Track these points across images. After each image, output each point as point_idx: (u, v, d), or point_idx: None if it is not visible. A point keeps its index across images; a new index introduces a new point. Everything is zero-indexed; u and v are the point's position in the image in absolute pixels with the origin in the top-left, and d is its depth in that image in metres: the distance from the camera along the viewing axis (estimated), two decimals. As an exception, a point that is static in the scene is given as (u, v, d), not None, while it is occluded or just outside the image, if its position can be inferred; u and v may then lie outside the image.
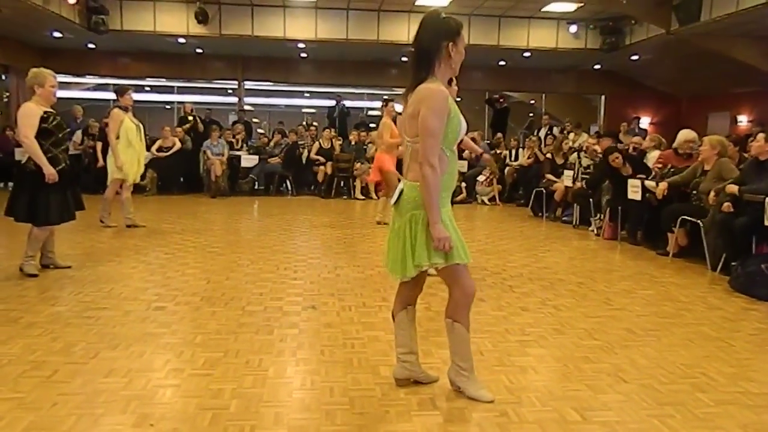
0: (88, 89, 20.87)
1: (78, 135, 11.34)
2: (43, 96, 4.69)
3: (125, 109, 7.00)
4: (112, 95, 16.45)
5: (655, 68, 15.02)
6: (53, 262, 4.98)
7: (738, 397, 2.78)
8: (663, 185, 6.21)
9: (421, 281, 2.74)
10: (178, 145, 11.13)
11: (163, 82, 19.76)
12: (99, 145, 10.67)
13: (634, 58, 14.11)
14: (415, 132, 2.48)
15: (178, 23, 12.42)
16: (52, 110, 4.75)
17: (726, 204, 5.17)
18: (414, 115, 2.45)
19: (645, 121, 16.25)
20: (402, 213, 2.56)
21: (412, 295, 2.77)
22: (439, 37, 2.47)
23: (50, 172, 4.55)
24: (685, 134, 6.98)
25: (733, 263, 5.01)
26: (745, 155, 6.70)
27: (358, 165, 11.49)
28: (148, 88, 20.50)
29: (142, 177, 8.67)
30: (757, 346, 3.56)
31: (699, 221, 5.59)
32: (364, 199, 11.21)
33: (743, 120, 13.97)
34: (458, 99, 3.38)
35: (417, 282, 2.72)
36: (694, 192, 5.98)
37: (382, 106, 7.65)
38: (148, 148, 9.65)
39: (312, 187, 11.93)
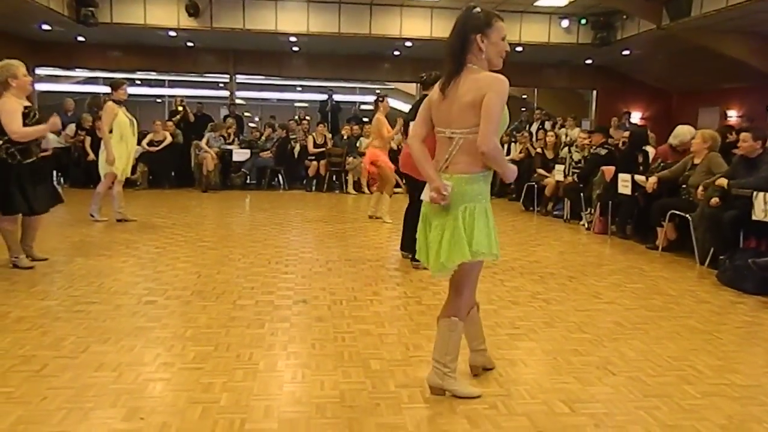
0: (78, 83, 20.72)
1: (71, 128, 11.26)
2: (18, 87, 4.61)
3: (119, 103, 6.96)
4: (102, 89, 16.41)
5: (646, 63, 15.07)
6: (30, 254, 4.93)
7: (724, 389, 2.81)
8: (653, 180, 6.25)
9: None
10: (169, 139, 11.07)
11: (153, 75, 19.65)
12: (88, 140, 10.65)
13: (626, 53, 14.15)
14: (469, 122, 2.44)
15: (168, 16, 12.32)
16: (30, 105, 4.68)
17: (714, 199, 5.21)
18: (474, 104, 2.42)
19: (636, 116, 16.31)
20: (451, 208, 2.48)
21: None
22: (466, 30, 2.48)
23: (51, 126, 4.76)
24: (675, 130, 6.94)
25: (721, 257, 5.06)
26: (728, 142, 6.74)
27: (350, 159, 11.48)
28: (138, 82, 20.37)
29: (133, 171, 8.63)
30: (743, 339, 3.60)
31: (688, 215, 5.63)
32: (356, 194, 11.21)
33: (733, 115, 14.05)
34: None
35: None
36: (684, 186, 6.03)
37: (376, 101, 7.66)
38: (139, 142, 9.61)
39: (304, 182, 11.91)
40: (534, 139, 11.23)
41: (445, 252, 2.47)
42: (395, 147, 10.49)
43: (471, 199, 2.48)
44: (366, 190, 10.95)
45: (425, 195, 2.56)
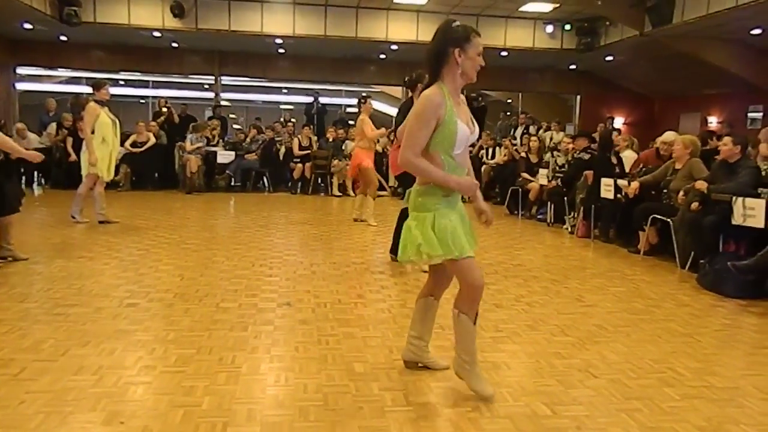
0: (60, 83, 20.47)
1: (52, 127, 11.12)
2: None
3: (101, 104, 6.89)
4: (85, 89, 16.21)
5: (629, 69, 15.27)
6: (12, 254, 4.90)
7: (703, 391, 2.85)
8: (635, 184, 6.32)
9: (443, 276, 2.85)
10: (153, 140, 10.98)
11: (138, 76, 19.48)
12: (70, 140, 10.53)
13: (609, 58, 14.32)
14: None
15: (153, 17, 12.24)
16: None
17: (694, 203, 5.28)
18: None
19: (619, 121, 16.50)
20: (410, 210, 2.71)
21: (433, 286, 2.89)
22: (445, 43, 2.55)
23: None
24: (663, 136, 7.01)
25: (701, 261, 5.13)
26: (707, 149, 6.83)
27: (335, 162, 11.48)
28: (122, 82, 20.20)
29: (116, 172, 8.54)
30: (722, 341, 3.65)
31: (669, 220, 5.71)
32: (341, 196, 11.19)
33: (713, 121, 14.27)
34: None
35: (439, 275, 2.85)
36: (665, 191, 6.10)
37: (359, 102, 7.67)
38: (122, 143, 9.52)
39: (289, 184, 11.88)
40: (519, 143, 11.32)
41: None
42: (380, 150, 10.50)
43: (416, 207, 2.64)
44: (351, 192, 10.95)
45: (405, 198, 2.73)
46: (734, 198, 4.87)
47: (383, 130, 7.93)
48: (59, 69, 17.74)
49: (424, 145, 2.54)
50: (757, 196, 4.85)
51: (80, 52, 14.94)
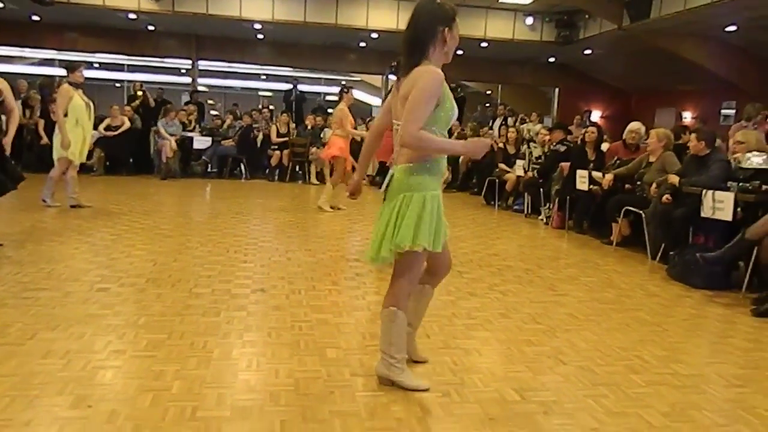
0: (32, 64, 19.98)
1: (18, 105, 10.82)
2: None
3: (75, 86, 6.74)
4: (58, 71, 15.83)
5: (606, 63, 15.43)
6: None
7: (668, 378, 2.91)
8: (609, 177, 6.40)
9: (444, 259, 2.73)
10: (127, 124, 10.77)
11: (113, 59, 19.10)
12: (41, 123, 10.28)
13: (587, 52, 14.44)
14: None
15: (128, -2, 11.99)
16: None
17: (666, 196, 5.37)
18: (407, 96, 2.38)
19: (596, 115, 16.68)
20: (391, 197, 2.48)
21: (431, 276, 2.78)
22: (434, 21, 2.45)
23: None
24: (630, 125, 7.23)
25: (671, 252, 5.23)
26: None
27: (313, 150, 11.41)
28: (96, 65, 19.77)
29: (89, 156, 8.38)
30: (688, 330, 3.74)
31: (642, 212, 5.80)
32: (318, 184, 11.14)
33: (687, 116, 14.51)
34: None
35: (438, 259, 2.69)
36: (639, 183, 6.20)
37: (341, 92, 7.65)
38: (96, 127, 9.33)
39: (266, 171, 11.78)
40: (497, 134, 11.37)
41: (377, 243, 2.49)
42: (359, 139, 10.46)
43: (410, 188, 2.45)
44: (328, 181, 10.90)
45: (384, 185, 2.57)
46: (704, 191, 4.96)
47: (361, 132, 8.00)
48: (31, 50, 17.31)
49: (425, 121, 2.37)
50: (727, 189, 4.95)
51: (53, 32, 14.58)
